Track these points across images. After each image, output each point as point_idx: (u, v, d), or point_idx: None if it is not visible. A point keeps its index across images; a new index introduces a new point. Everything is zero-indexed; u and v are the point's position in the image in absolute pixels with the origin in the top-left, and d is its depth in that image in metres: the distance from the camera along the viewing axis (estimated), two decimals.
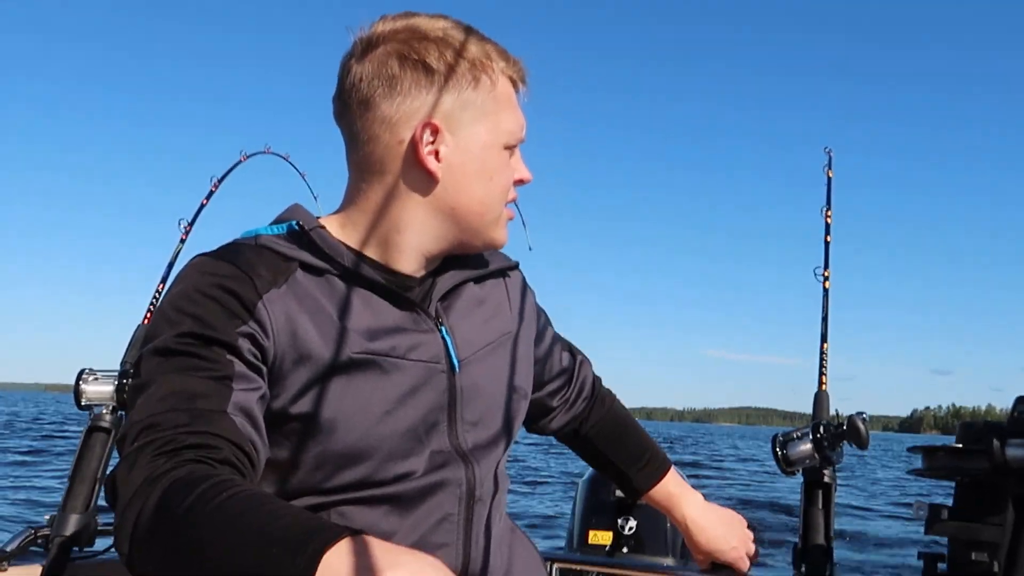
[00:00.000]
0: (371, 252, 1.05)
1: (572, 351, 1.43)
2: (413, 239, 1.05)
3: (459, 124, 1.02)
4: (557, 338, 1.39)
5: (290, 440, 0.95)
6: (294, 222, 1.03)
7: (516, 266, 1.25)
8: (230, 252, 0.99)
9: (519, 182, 1.10)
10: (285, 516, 0.69)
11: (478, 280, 1.16)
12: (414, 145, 1.01)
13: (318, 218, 1.07)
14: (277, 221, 1.06)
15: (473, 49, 1.03)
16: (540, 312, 1.32)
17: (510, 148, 1.07)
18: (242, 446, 0.85)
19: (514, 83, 1.07)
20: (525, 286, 1.26)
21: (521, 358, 1.18)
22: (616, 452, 1.48)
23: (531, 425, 1.42)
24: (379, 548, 0.65)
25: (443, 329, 1.06)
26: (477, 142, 1.03)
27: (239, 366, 0.90)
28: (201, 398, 0.86)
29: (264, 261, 0.98)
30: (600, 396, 1.48)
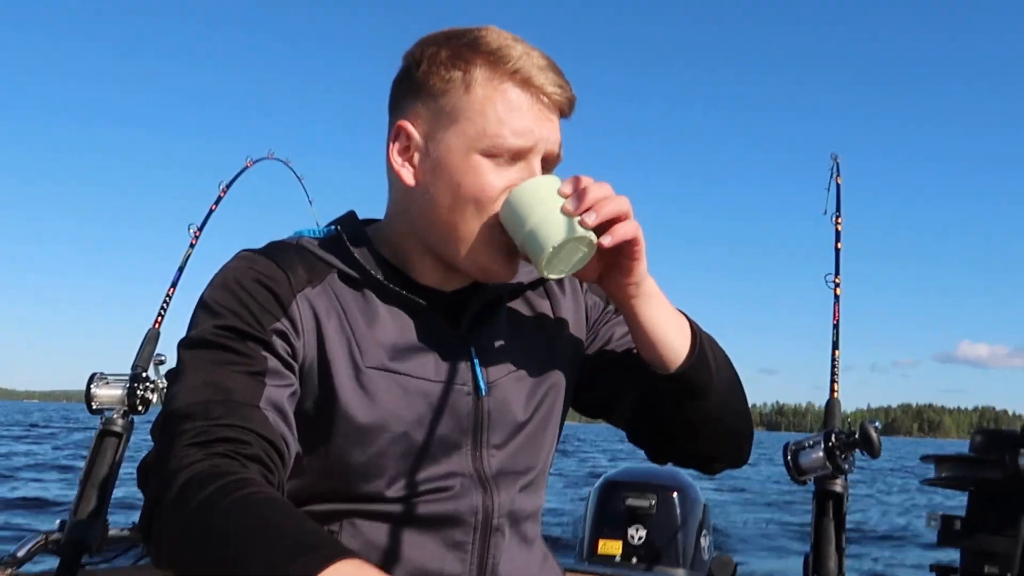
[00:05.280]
0: (400, 263, 1.03)
1: None
2: (418, 252, 1.02)
3: (434, 131, 0.97)
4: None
5: (304, 444, 0.95)
6: (335, 227, 1.04)
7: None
8: (273, 249, 1.00)
9: None
10: (288, 527, 0.71)
11: (521, 292, 1.09)
12: (389, 147, 1.00)
13: (368, 223, 1.07)
14: (329, 225, 1.06)
15: (447, 51, 0.96)
16: (598, 306, 1.14)
17: (493, 156, 0.95)
18: (273, 441, 0.87)
19: (522, 82, 0.95)
20: (576, 289, 1.14)
21: (557, 382, 1.08)
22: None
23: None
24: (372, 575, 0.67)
25: (472, 349, 1.02)
26: (446, 148, 0.96)
27: (272, 362, 0.91)
28: (236, 392, 0.88)
29: (304, 261, 0.99)
30: None
